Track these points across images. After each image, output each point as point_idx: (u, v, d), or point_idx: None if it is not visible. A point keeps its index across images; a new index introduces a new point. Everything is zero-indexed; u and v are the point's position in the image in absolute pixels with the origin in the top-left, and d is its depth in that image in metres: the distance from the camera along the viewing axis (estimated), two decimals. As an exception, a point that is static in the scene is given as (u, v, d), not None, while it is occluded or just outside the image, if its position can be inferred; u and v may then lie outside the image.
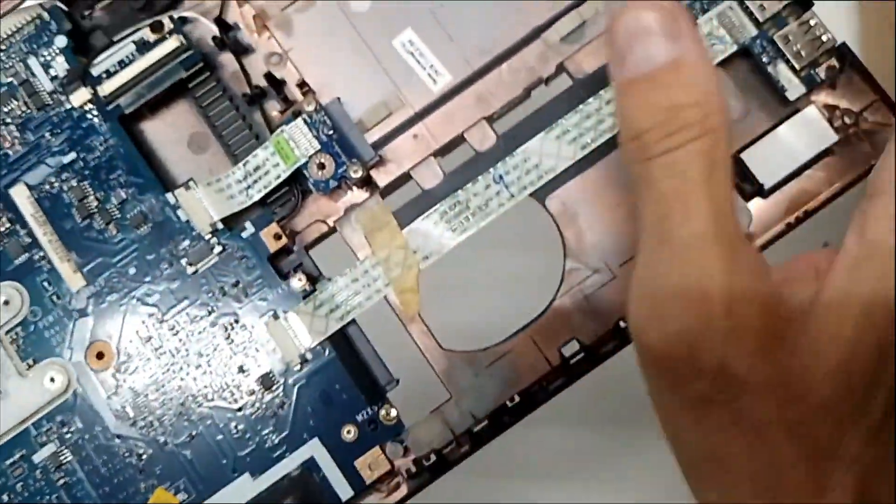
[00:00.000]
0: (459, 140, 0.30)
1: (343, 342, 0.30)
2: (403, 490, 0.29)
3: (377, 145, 0.32)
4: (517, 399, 0.28)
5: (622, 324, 0.29)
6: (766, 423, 0.20)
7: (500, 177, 0.30)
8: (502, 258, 0.29)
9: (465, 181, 0.30)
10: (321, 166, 0.30)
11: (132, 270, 0.30)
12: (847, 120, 0.30)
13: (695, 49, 0.21)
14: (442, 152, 0.31)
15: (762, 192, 0.30)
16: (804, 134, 0.30)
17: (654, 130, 0.21)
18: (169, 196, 0.31)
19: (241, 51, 0.33)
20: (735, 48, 0.30)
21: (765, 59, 0.30)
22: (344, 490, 0.29)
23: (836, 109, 0.30)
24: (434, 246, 0.29)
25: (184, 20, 0.33)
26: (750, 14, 0.30)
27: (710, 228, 0.20)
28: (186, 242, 0.30)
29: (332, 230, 0.30)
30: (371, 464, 0.29)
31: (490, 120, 0.31)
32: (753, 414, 0.20)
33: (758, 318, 0.20)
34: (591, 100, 0.30)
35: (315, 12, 0.33)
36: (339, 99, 0.31)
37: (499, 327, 0.29)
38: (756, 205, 0.30)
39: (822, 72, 0.30)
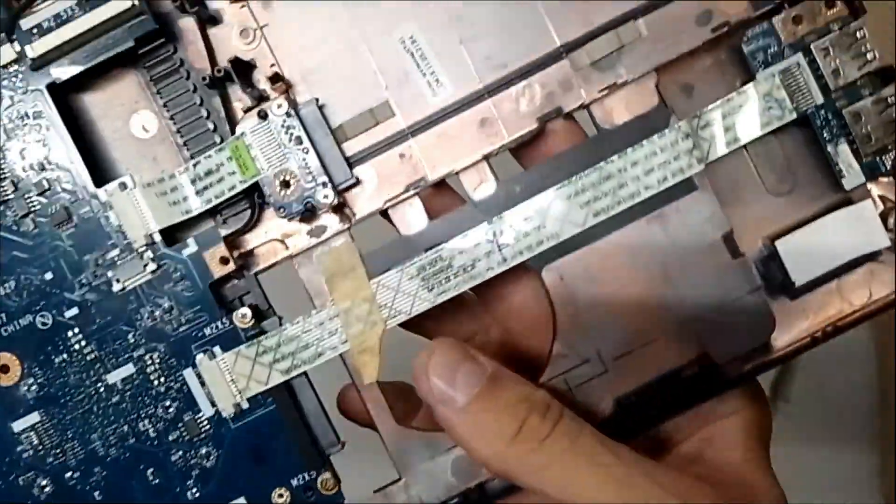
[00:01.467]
0: (453, 179, 0.25)
1: (286, 395, 0.26)
2: (333, 568, 0.26)
3: (355, 160, 0.27)
4: (473, 490, 0.25)
5: (607, 425, 0.25)
6: None
7: (494, 234, 0.25)
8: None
9: (452, 233, 0.25)
10: (285, 184, 0.25)
11: (48, 275, 0.26)
12: (906, 221, 0.25)
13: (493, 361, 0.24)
14: (430, 190, 0.26)
15: (790, 290, 0.26)
16: (853, 230, 0.25)
17: (532, 417, 0.23)
18: (101, 192, 0.26)
19: (207, 19, 0.27)
20: (794, 116, 0.25)
21: (826, 135, 0.25)
22: (267, 559, 0.26)
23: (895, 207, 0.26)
24: (404, 305, 0.25)
25: (140, -27, 0.27)
26: (819, 77, 0.25)
27: None
28: (115, 252, 0.26)
29: (290, 258, 0.26)
30: (302, 534, 0.26)
31: (491, 159, 0.26)
32: None
33: None
34: (615, 157, 0.25)
35: (302, -18, 0.27)
36: (316, 100, 0.26)
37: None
38: (780, 305, 0.26)
39: (889, 160, 0.25)
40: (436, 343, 0.24)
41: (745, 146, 0.26)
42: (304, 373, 0.26)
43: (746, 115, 0.25)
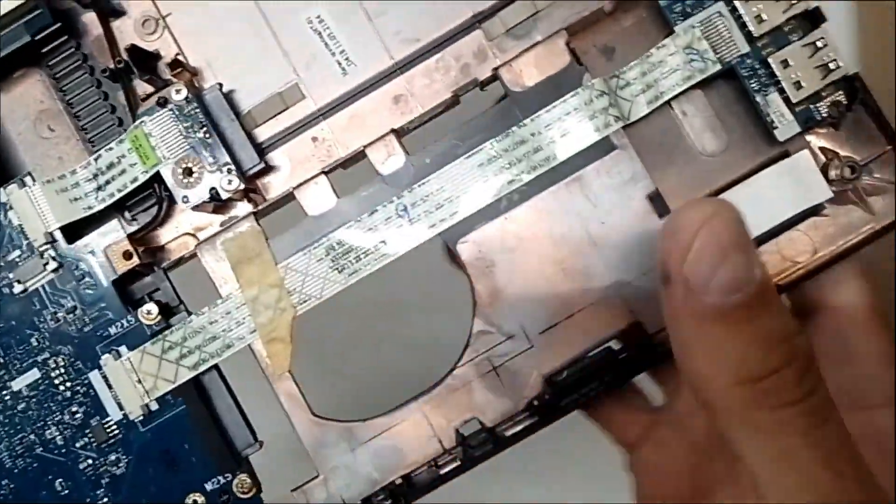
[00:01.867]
0: (360, 156, 0.24)
1: (195, 393, 0.24)
2: (254, 578, 0.24)
3: (266, 147, 0.26)
4: (398, 483, 0.23)
5: (537, 404, 0.23)
6: None
7: (405, 209, 0.24)
8: (397, 311, 0.24)
9: (361, 211, 0.24)
10: (187, 172, 0.24)
11: (-54, 280, 0.25)
12: (847, 173, 0.24)
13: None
14: (337, 170, 0.25)
15: (730, 254, 0.24)
16: (791, 184, 0.24)
17: (789, 369, 0.18)
18: (1, 193, 0.25)
19: (110, 12, 0.26)
20: (718, 68, 0.24)
21: (753, 85, 0.24)
22: (184, 571, 0.24)
23: (836, 157, 0.24)
24: (314, 289, 0.24)
25: (43, -33, 0.26)
26: (743, 25, 0.24)
27: None
28: (16, 253, 0.25)
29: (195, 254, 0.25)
30: (220, 542, 0.24)
31: (400, 134, 0.24)
32: None
33: None
34: (527, 121, 0.24)
35: (204, -32, 0.26)
36: (220, 86, 0.25)
37: (385, 395, 0.24)
38: (720, 269, 0.24)
39: (824, 108, 0.24)
40: (716, 206, 0.18)
41: (669, 104, 0.24)
42: (217, 369, 0.24)
43: (667, 70, 0.24)
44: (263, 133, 0.26)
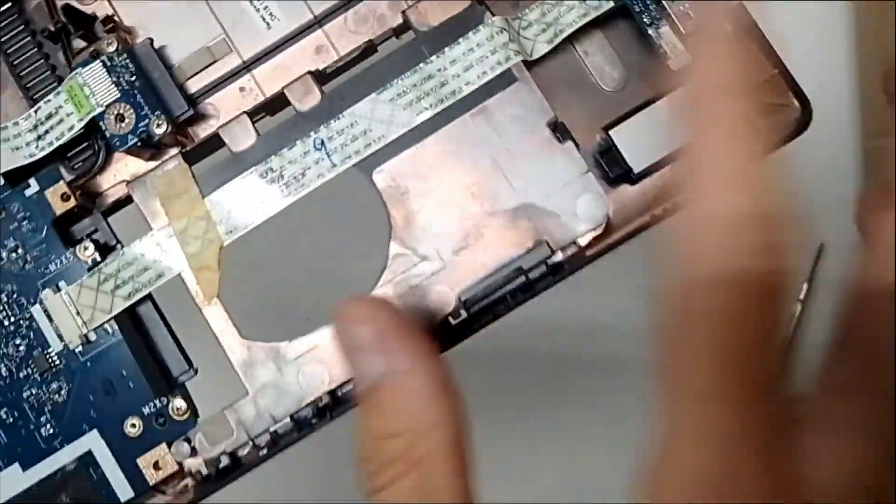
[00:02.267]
0: (283, 100, 0.26)
1: (132, 323, 0.26)
2: (190, 495, 0.25)
3: (196, 97, 0.27)
4: (325, 400, 0.25)
5: (452, 320, 0.25)
6: None
7: (322, 143, 0.25)
8: (319, 237, 0.25)
9: (281, 146, 0.25)
10: (120, 118, 0.26)
11: None
12: (732, 97, 0.25)
13: (405, 363, 0.20)
14: (260, 110, 0.26)
15: (630, 178, 0.26)
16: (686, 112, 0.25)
17: (369, 462, 0.19)
18: (-54, 144, 0.26)
19: (48, -24, 0.28)
20: (611, 5, 0.26)
21: (646, 20, 0.26)
22: (124, 490, 0.25)
23: (723, 84, 0.26)
24: (240, 219, 0.25)
25: (-16, -64, 0.28)
26: (631, -37, 0.26)
27: None
28: (-38, 199, 0.26)
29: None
30: (157, 463, 0.25)
31: (318, 75, 0.26)
32: None
33: None
34: (433, 58, 0.25)
35: (136, -66, 0.28)
36: (150, 40, 0.27)
37: (310, 317, 0.25)
38: (621, 192, 0.26)
39: (709, 39, 0.26)
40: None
41: (572, 44, 0.26)
42: (152, 299, 0.26)
43: (564, 10, 0.26)
44: (195, 85, 0.28)
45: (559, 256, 0.25)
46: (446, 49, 0.25)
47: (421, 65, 0.25)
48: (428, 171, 0.25)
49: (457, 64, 0.25)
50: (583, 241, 0.25)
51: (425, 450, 0.19)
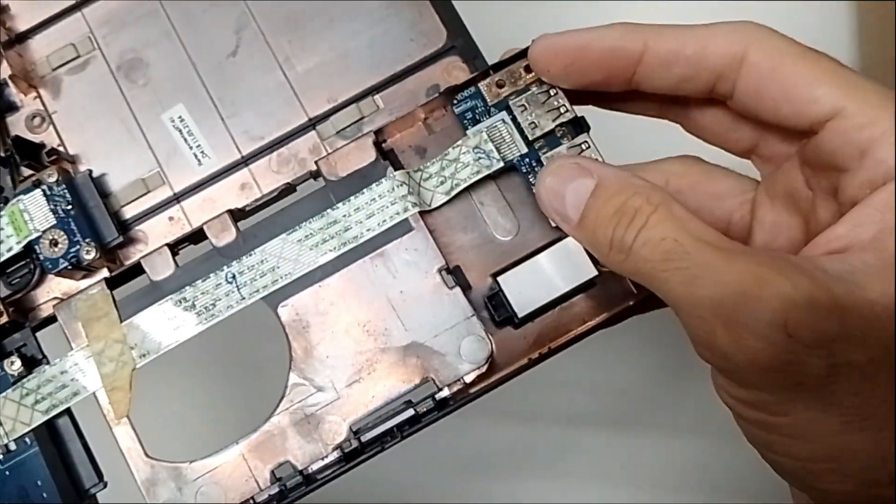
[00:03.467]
0: (201, 231, 0.28)
1: (48, 436, 0.28)
2: None
3: (129, 223, 0.30)
4: (226, 516, 0.27)
5: (343, 449, 0.27)
6: None
7: (233, 276, 0.28)
8: (226, 365, 0.28)
9: (195, 277, 0.28)
10: (54, 243, 0.29)
11: None
12: (608, 254, 0.28)
13: (600, 169, 0.26)
14: (183, 241, 0.29)
15: (514, 322, 0.28)
16: (564, 265, 0.28)
17: (617, 228, 0.24)
18: None
19: (4, 108, 0.31)
20: (501, 164, 0.28)
21: (531, 180, 0.29)
22: None
23: (603, 240, 0.28)
24: (153, 344, 0.28)
25: (-48, 70, 0.31)
26: (521, 130, 0.29)
27: (728, 245, 0.23)
28: None
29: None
30: (60, 570, 0.27)
31: (236, 213, 0.29)
32: None
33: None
34: (339, 205, 0.28)
35: (87, 75, 0.31)
36: (90, 172, 0.30)
37: (210, 440, 0.27)
38: (504, 334, 0.28)
39: (591, 199, 0.28)
40: (549, 163, 0.27)
41: (470, 194, 0.29)
42: (69, 414, 0.28)
43: (461, 165, 0.29)
44: (130, 212, 0.30)
45: (445, 392, 0.27)
46: (351, 197, 0.28)
47: (328, 210, 0.28)
48: (329, 308, 0.28)
49: (360, 211, 0.28)
50: (468, 379, 0.27)
51: (660, 197, 0.24)
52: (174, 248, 0.29)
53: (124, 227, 0.30)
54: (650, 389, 0.29)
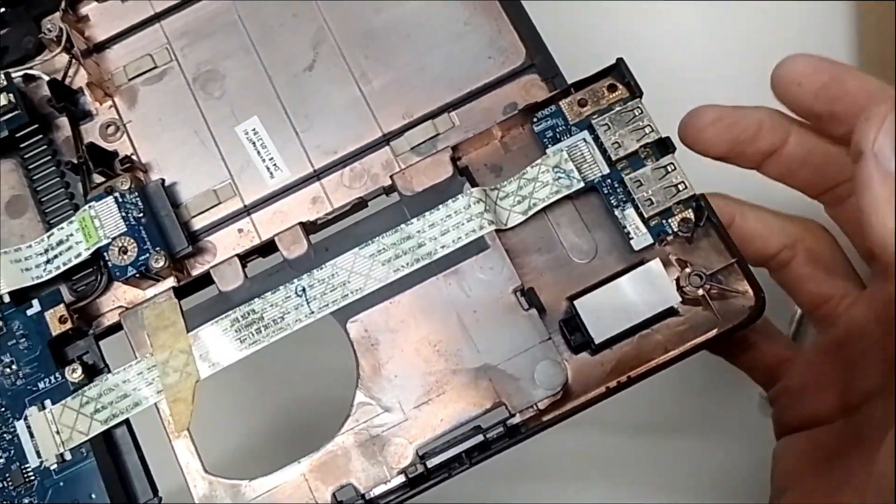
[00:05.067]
0: (272, 243, 0.28)
1: (105, 447, 0.27)
2: None
3: (198, 235, 0.30)
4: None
5: (408, 474, 0.26)
6: None
7: (303, 290, 0.27)
8: (291, 380, 0.27)
9: (265, 289, 0.27)
10: (123, 250, 0.28)
11: None
12: (696, 281, 0.27)
13: None
14: (253, 253, 0.28)
15: (591, 347, 0.27)
16: (645, 290, 0.27)
17: None
18: (-37, 260, 0.29)
19: (80, 116, 0.31)
20: (581, 185, 0.27)
21: (612, 201, 0.28)
22: None
23: (687, 266, 0.27)
24: (219, 356, 0.27)
25: (30, 77, 0.31)
26: (604, 150, 0.28)
27: None
28: (-32, 313, 0.28)
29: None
30: (111, 587, 0.26)
31: (308, 226, 0.28)
32: None
33: None
34: (414, 220, 0.27)
35: (164, 86, 0.31)
36: (162, 181, 0.29)
37: (272, 457, 0.26)
38: (580, 360, 0.27)
39: (674, 223, 0.27)
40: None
41: (547, 215, 0.28)
42: (128, 427, 0.27)
43: (539, 185, 0.28)
44: (200, 223, 0.30)
45: (517, 419, 0.26)
46: (426, 213, 0.27)
47: (402, 225, 0.27)
48: (399, 325, 0.27)
49: (435, 228, 0.27)
50: (541, 405, 0.26)
51: None
52: (244, 258, 0.28)
53: (194, 237, 0.29)
54: (650, 388, 0.29)
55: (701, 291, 0.26)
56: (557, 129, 0.28)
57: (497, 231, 0.27)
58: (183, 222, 0.29)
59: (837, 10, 0.42)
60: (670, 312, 0.27)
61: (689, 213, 0.27)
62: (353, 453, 0.26)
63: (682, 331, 0.27)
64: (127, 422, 0.27)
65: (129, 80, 0.31)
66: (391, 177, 0.28)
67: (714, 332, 0.26)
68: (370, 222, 0.28)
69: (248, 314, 0.27)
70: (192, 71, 0.31)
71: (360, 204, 0.29)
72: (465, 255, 0.27)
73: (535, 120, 0.28)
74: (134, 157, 0.30)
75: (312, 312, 0.27)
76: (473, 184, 0.28)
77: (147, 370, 0.27)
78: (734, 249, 0.27)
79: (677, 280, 0.27)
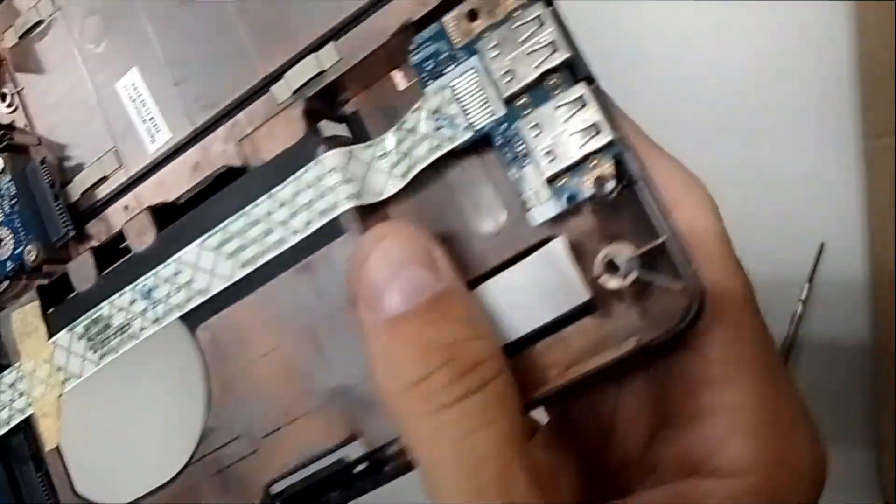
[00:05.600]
0: (122, 234, 0.24)
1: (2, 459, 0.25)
2: None
3: (86, 216, 0.26)
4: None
5: (267, 510, 0.21)
6: None
7: (149, 291, 0.23)
8: (145, 396, 0.23)
9: (115, 289, 0.23)
10: (-1, 244, 0.26)
11: None
12: (611, 269, 0.18)
13: (456, 279, 0.19)
14: (105, 248, 0.24)
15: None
16: (545, 282, 0.19)
17: (440, 372, 0.18)
18: None
19: (-24, 89, 0.28)
20: (468, 136, 0.20)
21: (508, 157, 0.19)
22: None
23: (603, 247, 0.19)
24: (75, 367, 0.24)
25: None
26: (495, 83, 0.19)
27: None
28: None
29: (5, 323, 0.26)
30: None
31: (157, 211, 0.23)
32: None
33: None
34: (261, 199, 0.21)
35: (52, 41, 0.27)
36: (42, 161, 0.26)
37: (134, 483, 0.23)
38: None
39: (588, 184, 0.19)
40: (393, 227, 0.19)
41: (432, 180, 0.21)
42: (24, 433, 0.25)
43: (418, 138, 0.20)
44: (88, 201, 0.26)
45: (385, 452, 0.20)
46: (274, 190, 0.21)
47: (249, 207, 0.21)
48: (248, 334, 0.22)
49: (284, 208, 0.21)
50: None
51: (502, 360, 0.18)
52: (100, 253, 0.24)
53: (84, 218, 0.26)
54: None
55: (616, 283, 0.18)
56: (440, 57, 0.20)
57: (367, 207, 0.21)
58: (71, 203, 0.26)
59: (837, 10, 0.43)
60: (585, 311, 0.19)
61: (608, 168, 0.18)
62: (204, 488, 0.22)
63: (593, 341, 0.19)
64: (24, 430, 0.25)
65: (20, 39, 0.28)
66: (238, 143, 0.22)
67: (632, 345, 0.18)
68: (218, 204, 0.22)
69: (98, 321, 0.23)
70: (78, 23, 0.27)
71: (232, 173, 0.24)
72: (319, 244, 0.21)
73: (412, 48, 0.21)
74: (17, 132, 0.27)
75: (158, 319, 0.22)
76: (364, 137, 0.22)
77: (18, 381, 0.25)
78: (665, 223, 0.18)
79: (589, 268, 0.19)
